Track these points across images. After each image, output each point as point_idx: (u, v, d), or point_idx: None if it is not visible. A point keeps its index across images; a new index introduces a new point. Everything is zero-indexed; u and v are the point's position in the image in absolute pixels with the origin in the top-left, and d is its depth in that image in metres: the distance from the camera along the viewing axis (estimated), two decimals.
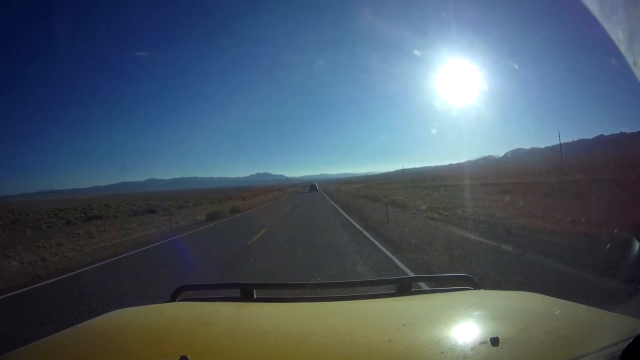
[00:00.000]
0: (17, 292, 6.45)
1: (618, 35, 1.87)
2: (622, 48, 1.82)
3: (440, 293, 1.71)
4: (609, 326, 1.08)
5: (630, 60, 1.77)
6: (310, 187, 66.54)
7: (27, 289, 6.63)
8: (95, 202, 57.83)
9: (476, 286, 1.60)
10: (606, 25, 1.96)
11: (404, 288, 1.59)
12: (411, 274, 5.52)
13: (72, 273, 7.80)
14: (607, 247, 5.86)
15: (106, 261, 8.99)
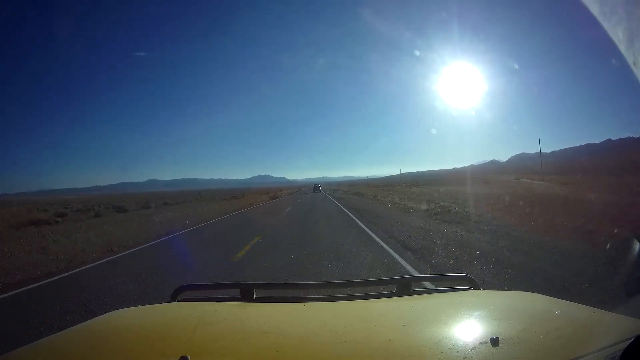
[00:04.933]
0: None
1: (618, 35, 1.87)
2: (622, 48, 1.82)
3: (440, 293, 1.71)
4: (609, 326, 1.08)
5: (630, 60, 1.77)
6: (314, 187, 75.38)
7: None
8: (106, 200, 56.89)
9: (476, 286, 1.60)
10: (606, 25, 1.96)
11: (404, 288, 1.59)
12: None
13: None
14: None
15: None
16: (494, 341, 0.92)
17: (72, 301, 5.08)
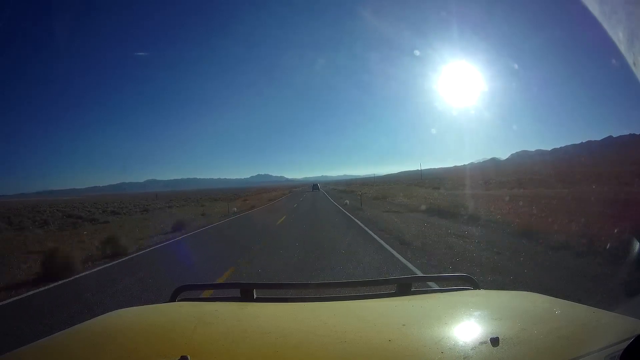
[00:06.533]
0: None
1: (618, 36, 1.88)
2: (622, 48, 1.82)
3: (440, 293, 1.71)
4: (609, 326, 1.09)
5: (630, 61, 1.78)
6: (312, 186, 73.22)
7: None
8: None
9: (476, 286, 1.60)
10: (606, 26, 1.96)
11: (404, 288, 1.59)
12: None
13: None
14: None
15: None
16: (494, 341, 0.92)
17: None
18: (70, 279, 7.24)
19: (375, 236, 10.11)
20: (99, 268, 8.20)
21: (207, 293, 2.81)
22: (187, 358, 0.86)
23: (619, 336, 0.92)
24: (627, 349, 0.83)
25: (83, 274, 7.69)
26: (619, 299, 4.12)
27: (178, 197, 66.00)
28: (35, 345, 1.10)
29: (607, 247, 6.21)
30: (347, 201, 26.33)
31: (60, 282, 6.97)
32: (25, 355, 1.06)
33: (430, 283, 3.22)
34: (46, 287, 6.67)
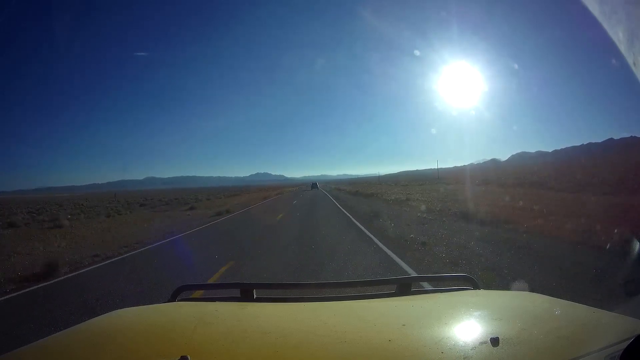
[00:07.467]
0: None
1: (618, 36, 1.88)
2: (622, 48, 1.82)
3: (440, 293, 1.71)
4: (609, 326, 1.09)
5: (630, 61, 1.78)
6: (312, 185, 73.05)
7: None
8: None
9: (476, 286, 1.60)
10: (606, 26, 1.97)
11: (404, 288, 1.59)
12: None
13: None
14: None
15: None
16: (494, 341, 0.92)
17: None
18: None
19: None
20: None
21: (207, 293, 2.81)
22: (187, 358, 0.86)
23: (619, 336, 0.93)
24: (627, 349, 0.83)
25: None
26: None
27: (139, 199, 54.16)
28: (35, 345, 1.10)
29: None
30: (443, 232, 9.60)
31: None
32: (25, 355, 1.05)
33: (430, 283, 3.22)
34: None
